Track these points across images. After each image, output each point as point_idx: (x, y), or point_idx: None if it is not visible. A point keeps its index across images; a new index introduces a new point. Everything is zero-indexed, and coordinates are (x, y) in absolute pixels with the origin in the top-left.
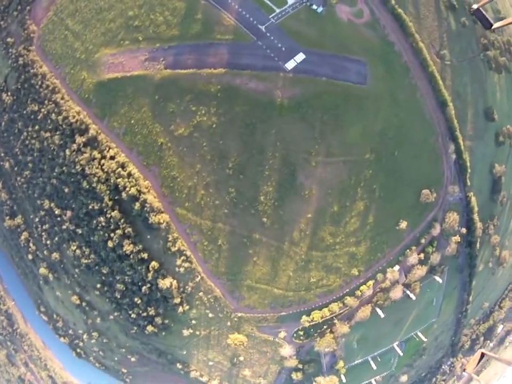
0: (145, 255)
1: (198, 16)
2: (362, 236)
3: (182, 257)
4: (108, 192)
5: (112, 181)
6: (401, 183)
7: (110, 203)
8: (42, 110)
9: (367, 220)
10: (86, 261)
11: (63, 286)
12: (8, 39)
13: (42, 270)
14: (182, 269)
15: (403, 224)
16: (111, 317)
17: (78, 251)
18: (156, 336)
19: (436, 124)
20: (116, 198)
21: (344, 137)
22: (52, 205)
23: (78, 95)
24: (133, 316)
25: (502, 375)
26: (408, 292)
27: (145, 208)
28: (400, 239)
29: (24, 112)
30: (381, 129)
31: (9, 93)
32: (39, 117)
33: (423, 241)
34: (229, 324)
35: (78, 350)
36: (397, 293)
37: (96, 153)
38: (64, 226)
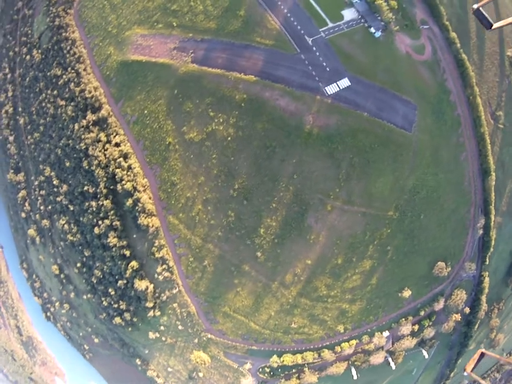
0: (127, 252)
1: (241, 12)
2: (359, 295)
3: (164, 266)
4: (104, 179)
5: (111, 169)
6: (418, 249)
7: (104, 191)
8: (64, 76)
9: (370, 280)
10: (71, 238)
11: (47, 253)
12: None
13: (31, 232)
14: (161, 277)
15: (406, 293)
16: (85, 296)
17: (66, 226)
18: (122, 328)
19: (472, 193)
20: (111, 187)
21: (371, 186)
22: (52, 174)
23: (100, 70)
24: (105, 303)
25: None
26: (390, 360)
27: (137, 208)
28: (398, 306)
29: (48, 73)
30: (413, 187)
31: (39, 51)
32: (59, 82)
33: (422, 313)
34: (196, 341)
35: (48, 314)
36: (378, 359)
37: (102, 136)
38: (58, 198)
